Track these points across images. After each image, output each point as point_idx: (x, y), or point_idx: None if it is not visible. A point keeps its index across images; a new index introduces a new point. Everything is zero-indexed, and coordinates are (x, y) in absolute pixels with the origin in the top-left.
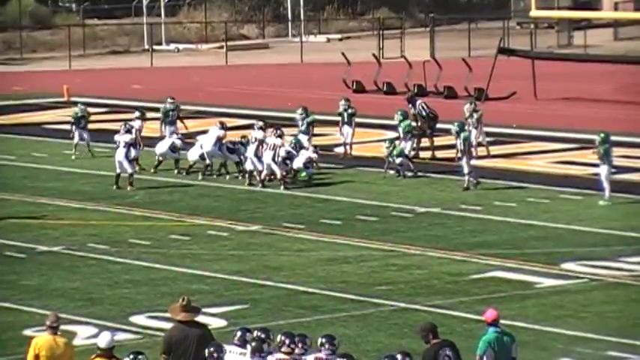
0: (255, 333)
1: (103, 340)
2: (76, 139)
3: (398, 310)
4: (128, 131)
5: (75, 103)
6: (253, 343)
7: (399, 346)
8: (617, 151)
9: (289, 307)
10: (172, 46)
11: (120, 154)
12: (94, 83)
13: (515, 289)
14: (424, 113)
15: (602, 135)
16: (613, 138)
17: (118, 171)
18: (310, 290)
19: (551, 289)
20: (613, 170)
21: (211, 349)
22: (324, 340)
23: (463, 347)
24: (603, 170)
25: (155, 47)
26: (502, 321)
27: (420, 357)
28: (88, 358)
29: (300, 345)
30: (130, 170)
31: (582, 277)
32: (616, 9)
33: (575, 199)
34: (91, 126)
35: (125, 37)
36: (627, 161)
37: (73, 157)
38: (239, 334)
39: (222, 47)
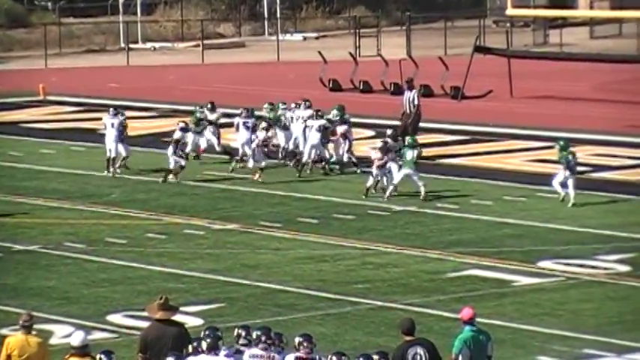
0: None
1: (76, 338)
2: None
3: (375, 309)
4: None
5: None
6: (208, 340)
7: (376, 345)
8: (592, 149)
9: (266, 305)
10: (149, 45)
11: (111, 137)
12: (70, 82)
13: (491, 287)
14: (416, 103)
15: (561, 143)
16: (589, 136)
17: (113, 155)
18: (287, 289)
19: (527, 287)
20: (570, 175)
21: (194, 344)
22: (301, 339)
23: (440, 345)
24: (560, 176)
25: (131, 46)
26: (479, 319)
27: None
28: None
29: (276, 342)
30: (124, 153)
31: (559, 276)
32: (592, 7)
33: (551, 198)
34: (66, 125)
35: (101, 35)
36: (603, 159)
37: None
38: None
39: (198, 46)
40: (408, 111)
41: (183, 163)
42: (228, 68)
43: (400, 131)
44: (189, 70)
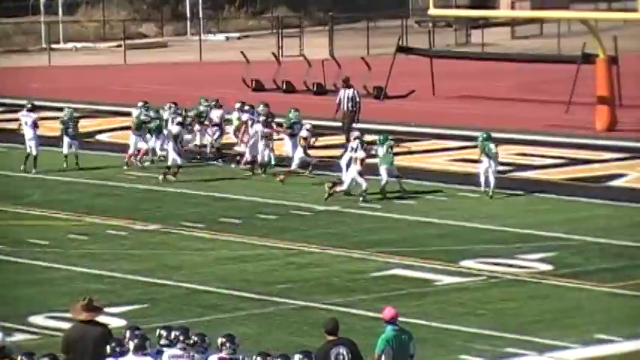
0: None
1: None
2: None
3: (297, 309)
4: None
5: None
6: (135, 340)
7: (299, 345)
8: (513, 148)
9: (189, 306)
10: (70, 45)
11: (29, 135)
12: None
13: (414, 286)
14: (357, 100)
15: (484, 134)
16: (510, 136)
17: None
18: (210, 289)
19: (450, 287)
20: (498, 168)
21: (113, 344)
22: (224, 340)
23: (362, 345)
24: (483, 166)
25: (53, 46)
26: (402, 319)
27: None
28: None
29: (198, 343)
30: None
31: (481, 275)
32: (513, 7)
33: (473, 197)
34: None
35: (22, 35)
36: (524, 159)
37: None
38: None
39: (120, 46)
40: (345, 109)
41: (179, 161)
42: (151, 68)
43: (344, 128)
44: (112, 70)
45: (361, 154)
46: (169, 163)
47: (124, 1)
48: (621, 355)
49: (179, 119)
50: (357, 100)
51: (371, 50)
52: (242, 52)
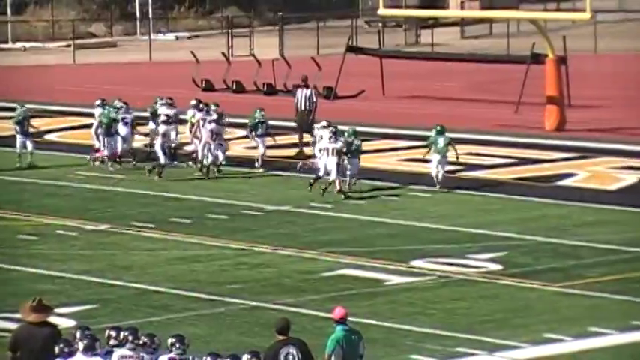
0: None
1: None
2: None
3: (248, 309)
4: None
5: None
6: (85, 341)
7: (249, 345)
8: (464, 148)
9: (139, 306)
10: (19, 45)
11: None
12: None
13: (365, 286)
14: (314, 100)
15: (438, 128)
16: (460, 136)
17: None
18: (160, 289)
19: (400, 287)
20: (447, 161)
21: (61, 344)
22: (174, 340)
23: (313, 345)
24: (435, 159)
25: (1, 46)
26: (352, 318)
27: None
28: None
29: (148, 343)
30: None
31: (431, 274)
32: (462, 8)
33: (424, 197)
34: None
35: None
36: (474, 159)
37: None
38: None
39: (69, 46)
40: (303, 108)
41: (162, 160)
42: (100, 68)
43: (304, 127)
44: (61, 70)
45: (339, 144)
46: (161, 162)
47: (73, 0)
48: (570, 354)
49: (163, 117)
50: (314, 99)
51: (321, 50)
52: (192, 52)
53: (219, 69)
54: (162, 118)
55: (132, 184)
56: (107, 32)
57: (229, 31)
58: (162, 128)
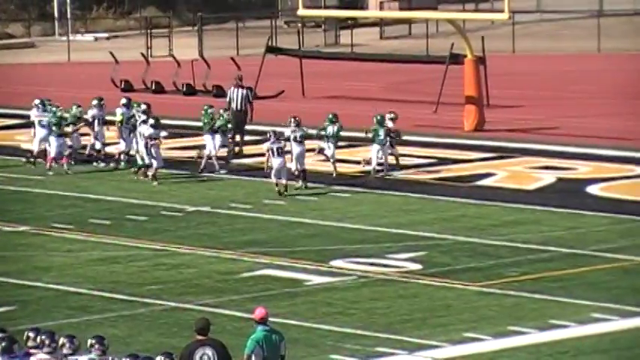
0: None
1: None
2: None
3: (168, 310)
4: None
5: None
6: (3, 343)
7: (169, 346)
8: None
9: (58, 307)
10: None
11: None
12: None
13: (285, 286)
14: (250, 99)
15: (378, 117)
16: None
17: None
18: (79, 291)
19: (320, 287)
20: (387, 150)
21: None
22: (93, 341)
23: (233, 346)
24: (375, 148)
25: None
26: (273, 319)
27: None
28: None
29: (67, 345)
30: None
31: (351, 274)
32: (381, 8)
33: (343, 197)
34: None
35: None
36: (394, 158)
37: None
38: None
39: None
40: (239, 108)
41: (147, 161)
42: (18, 69)
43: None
44: None
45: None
46: (156, 165)
47: None
48: (490, 353)
49: (152, 121)
50: (250, 100)
51: (240, 50)
52: (111, 53)
53: (139, 69)
54: (141, 118)
55: (52, 185)
56: (25, 32)
57: (148, 31)
58: (147, 130)
